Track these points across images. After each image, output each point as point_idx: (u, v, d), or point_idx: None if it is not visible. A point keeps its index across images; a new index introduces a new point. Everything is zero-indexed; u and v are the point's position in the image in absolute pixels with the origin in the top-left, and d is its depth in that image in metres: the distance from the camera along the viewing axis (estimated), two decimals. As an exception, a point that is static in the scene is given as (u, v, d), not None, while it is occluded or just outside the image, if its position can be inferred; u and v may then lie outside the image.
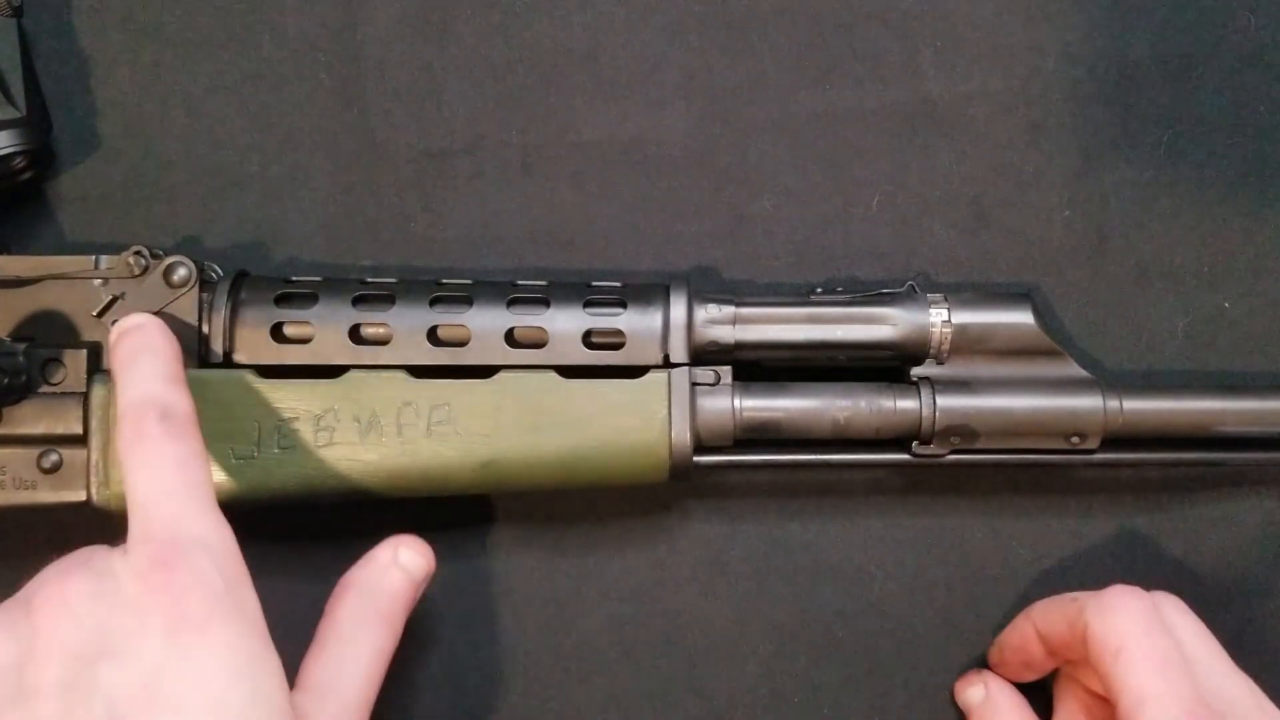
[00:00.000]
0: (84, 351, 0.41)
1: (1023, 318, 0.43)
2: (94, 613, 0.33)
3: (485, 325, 0.42)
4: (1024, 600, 0.46)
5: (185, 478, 0.35)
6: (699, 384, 0.42)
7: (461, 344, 0.42)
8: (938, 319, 0.43)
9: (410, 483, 0.41)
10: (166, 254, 0.42)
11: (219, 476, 0.40)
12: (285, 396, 0.41)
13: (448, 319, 0.41)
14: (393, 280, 0.43)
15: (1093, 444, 0.43)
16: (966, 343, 0.43)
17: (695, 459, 0.42)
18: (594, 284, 0.43)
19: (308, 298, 0.42)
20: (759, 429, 0.42)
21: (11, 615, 0.34)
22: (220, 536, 0.35)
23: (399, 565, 0.40)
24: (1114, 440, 0.43)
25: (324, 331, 0.41)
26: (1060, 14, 0.49)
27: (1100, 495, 0.47)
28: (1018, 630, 0.44)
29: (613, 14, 0.49)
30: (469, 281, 0.43)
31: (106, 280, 0.41)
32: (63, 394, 0.40)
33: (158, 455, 0.35)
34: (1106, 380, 0.43)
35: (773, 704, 0.46)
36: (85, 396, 0.40)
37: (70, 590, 0.33)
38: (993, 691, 0.44)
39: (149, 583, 0.33)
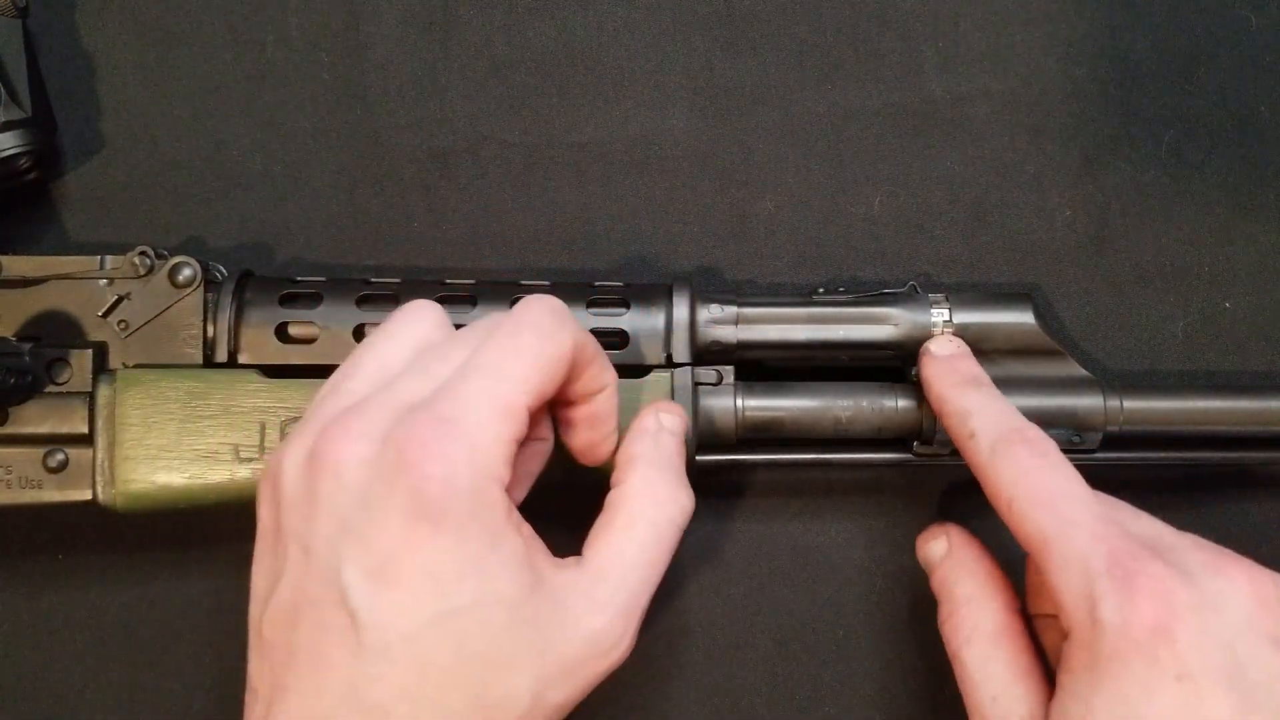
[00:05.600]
0: (89, 351, 0.41)
1: (1023, 317, 0.43)
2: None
3: (489, 325, 0.42)
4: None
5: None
6: (701, 384, 0.42)
7: (465, 344, 0.42)
8: (939, 319, 0.43)
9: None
10: (171, 254, 0.42)
11: (223, 476, 0.40)
12: (290, 396, 0.41)
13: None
14: (397, 280, 0.43)
15: (1093, 444, 0.43)
16: (968, 342, 0.43)
17: (697, 458, 0.42)
18: (597, 284, 0.43)
19: (312, 298, 0.42)
20: (761, 428, 0.43)
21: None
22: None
23: (666, 429, 0.38)
24: (1114, 440, 0.43)
25: (329, 331, 0.42)
26: (1061, 15, 0.49)
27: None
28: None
29: (615, 14, 0.49)
30: (472, 281, 0.43)
31: (112, 280, 0.42)
32: (68, 394, 0.40)
33: None
34: (1107, 380, 0.43)
35: (774, 703, 0.46)
36: (91, 396, 0.40)
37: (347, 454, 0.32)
38: (955, 545, 0.40)
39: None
